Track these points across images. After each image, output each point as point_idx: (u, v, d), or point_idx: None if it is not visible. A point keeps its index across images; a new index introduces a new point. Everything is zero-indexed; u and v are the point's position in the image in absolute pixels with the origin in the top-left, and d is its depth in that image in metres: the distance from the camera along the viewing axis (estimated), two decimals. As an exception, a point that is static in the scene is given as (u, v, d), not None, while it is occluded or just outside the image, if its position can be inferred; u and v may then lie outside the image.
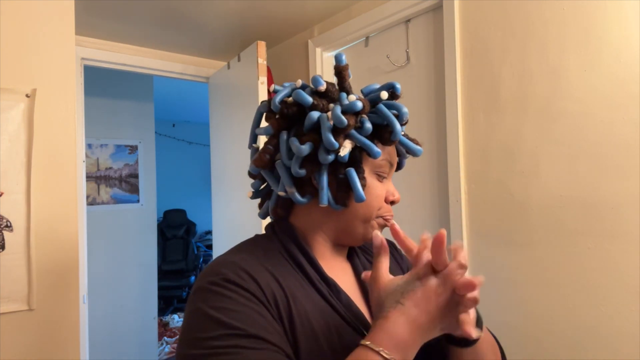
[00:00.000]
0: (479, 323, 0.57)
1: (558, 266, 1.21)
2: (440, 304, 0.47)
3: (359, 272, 0.69)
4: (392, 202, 0.69)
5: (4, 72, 1.30)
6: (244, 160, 1.99)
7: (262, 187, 0.73)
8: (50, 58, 1.38)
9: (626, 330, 1.08)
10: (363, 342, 0.48)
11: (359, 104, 0.61)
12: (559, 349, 1.21)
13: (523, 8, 1.29)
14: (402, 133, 0.67)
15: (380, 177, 0.66)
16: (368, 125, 0.62)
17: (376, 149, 0.61)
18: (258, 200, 0.76)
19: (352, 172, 0.61)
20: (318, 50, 2.06)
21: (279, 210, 0.70)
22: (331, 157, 0.60)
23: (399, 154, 0.71)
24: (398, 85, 0.67)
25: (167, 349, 3.66)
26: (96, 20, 1.96)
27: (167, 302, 4.57)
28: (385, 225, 0.67)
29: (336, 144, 0.59)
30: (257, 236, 0.69)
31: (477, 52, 1.41)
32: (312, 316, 0.57)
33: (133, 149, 3.10)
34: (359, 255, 0.74)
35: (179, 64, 2.44)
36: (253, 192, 0.74)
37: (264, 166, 0.67)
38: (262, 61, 1.92)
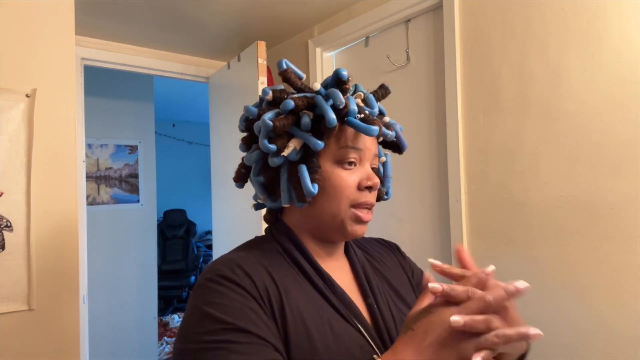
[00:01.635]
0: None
1: (558, 266, 1.21)
2: (449, 333, 0.45)
3: (357, 269, 0.71)
4: (369, 188, 0.65)
5: (4, 72, 1.30)
6: (244, 160, 1.99)
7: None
8: (50, 58, 1.38)
9: (626, 330, 1.08)
10: (375, 357, 0.50)
11: (290, 103, 0.62)
12: (558, 348, 1.20)
13: (523, 8, 1.29)
14: (360, 116, 0.64)
15: (346, 165, 0.65)
16: (305, 119, 0.62)
17: (315, 141, 0.61)
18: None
19: (301, 168, 0.62)
20: (318, 50, 2.06)
21: (267, 216, 0.74)
22: (278, 160, 0.63)
23: (384, 138, 0.70)
24: (343, 72, 0.64)
25: (167, 349, 3.66)
26: (96, 20, 1.96)
27: (167, 302, 4.56)
28: (360, 220, 0.65)
29: (271, 147, 0.61)
30: (256, 237, 0.72)
31: (477, 52, 1.41)
32: (305, 309, 0.59)
33: (133, 149, 3.10)
34: (356, 251, 0.75)
35: (179, 64, 2.44)
36: (254, 204, 0.77)
37: (240, 180, 0.72)
38: (262, 61, 1.92)
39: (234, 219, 2.19)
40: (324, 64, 2.07)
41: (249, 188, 0.75)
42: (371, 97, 0.69)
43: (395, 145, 0.75)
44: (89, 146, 2.91)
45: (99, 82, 2.79)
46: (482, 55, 1.40)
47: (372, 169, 0.68)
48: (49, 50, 1.38)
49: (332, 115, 0.61)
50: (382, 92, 0.74)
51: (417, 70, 1.66)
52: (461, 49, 1.46)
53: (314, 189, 0.61)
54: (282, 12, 1.96)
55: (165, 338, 3.86)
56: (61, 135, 1.39)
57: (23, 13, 1.34)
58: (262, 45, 1.93)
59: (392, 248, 0.84)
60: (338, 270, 0.69)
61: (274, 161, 0.63)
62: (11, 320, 1.28)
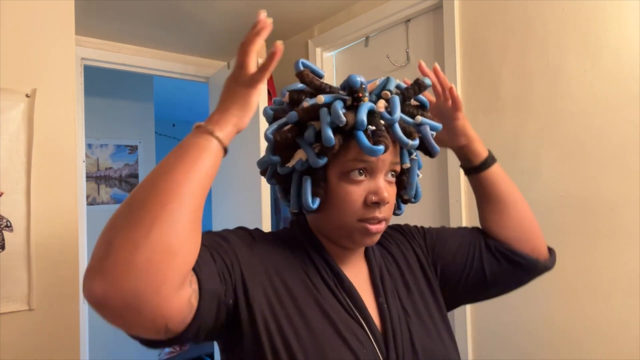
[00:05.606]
0: (490, 158, 0.79)
1: (557, 266, 1.21)
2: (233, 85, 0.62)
3: (373, 270, 0.70)
4: (376, 203, 0.61)
5: (4, 72, 1.30)
6: (244, 160, 1.99)
7: None
8: (50, 58, 1.38)
9: (626, 330, 1.08)
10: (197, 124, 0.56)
11: (293, 116, 0.60)
12: (558, 349, 1.20)
13: (523, 8, 1.29)
14: (370, 130, 0.59)
15: (355, 177, 0.61)
16: (309, 133, 0.59)
17: (315, 159, 0.59)
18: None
19: (305, 180, 0.62)
20: (318, 50, 2.06)
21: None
22: (286, 169, 0.64)
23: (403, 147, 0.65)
24: (356, 79, 0.60)
25: (167, 349, 3.65)
26: (96, 20, 1.96)
27: (167, 302, 4.55)
28: (368, 232, 0.62)
29: (274, 159, 0.64)
30: (280, 229, 0.78)
31: (477, 52, 1.41)
32: (297, 291, 0.61)
33: (133, 149, 3.10)
34: (375, 252, 0.73)
35: (179, 64, 2.44)
36: None
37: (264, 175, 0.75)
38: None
39: (234, 219, 2.18)
40: (324, 64, 2.07)
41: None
42: (395, 100, 0.61)
43: (425, 148, 0.69)
44: (89, 146, 2.91)
45: (99, 82, 2.79)
46: (482, 55, 1.39)
47: (394, 172, 0.65)
48: (49, 50, 1.38)
49: (330, 135, 0.56)
50: (415, 88, 0.68)
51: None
52: (461, 49, 1.45)
53: (313, 203, 0.61)
54: (282, 12, 1.96)
55: (165, 338, 3.85)
56: (61, 135, 1.39)
57: (23, 13, 1.34)
58: (262, 46, 1.93)
59: (405, 233, 0.81)
60: (355, 270, 0.69)
61: (282, 170, 0.65)
62: (11, 320, 1.28)
